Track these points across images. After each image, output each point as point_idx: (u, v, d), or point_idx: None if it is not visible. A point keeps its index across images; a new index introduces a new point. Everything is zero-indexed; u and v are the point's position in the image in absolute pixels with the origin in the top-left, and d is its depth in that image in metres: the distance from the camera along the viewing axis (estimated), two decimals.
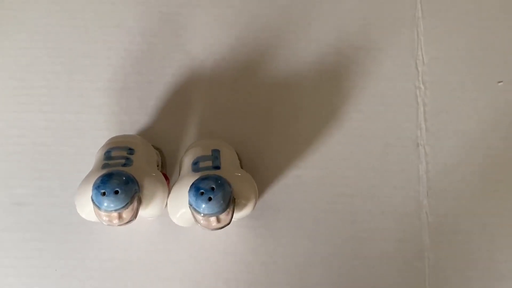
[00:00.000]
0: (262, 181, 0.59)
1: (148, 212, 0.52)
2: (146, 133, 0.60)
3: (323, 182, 0.59)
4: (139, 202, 0.50)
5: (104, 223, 0.49)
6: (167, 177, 0.56)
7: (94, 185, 0.48)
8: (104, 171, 0.50)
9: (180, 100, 0.61)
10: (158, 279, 0.58)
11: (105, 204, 0.48)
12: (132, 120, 0.61)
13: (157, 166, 0.56)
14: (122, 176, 0.49)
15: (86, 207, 0.50)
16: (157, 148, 0.59)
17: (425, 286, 0.57)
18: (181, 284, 0.58)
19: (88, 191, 0.49)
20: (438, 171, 0.59)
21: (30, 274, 0.58)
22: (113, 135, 0.59)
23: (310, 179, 0.59)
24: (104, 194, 0.48)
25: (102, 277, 0.58)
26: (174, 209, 0.52)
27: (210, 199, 0.48)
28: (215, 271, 0.58)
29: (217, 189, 0.48)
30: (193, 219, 0.50)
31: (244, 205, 0.51)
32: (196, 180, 0.49)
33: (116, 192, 0.48)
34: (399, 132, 0.60)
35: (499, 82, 0.61)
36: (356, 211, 0.59)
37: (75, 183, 0.54)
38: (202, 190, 0.48)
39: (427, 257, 0.58)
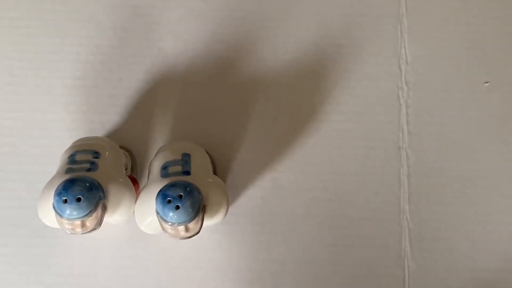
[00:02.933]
0: (236, 184, 0.57)
1: (115, 219, 0.50)
2: (116, 134, 0.58)
3: (300, 186, 0.57)
4: (104, 210, 0.47)
5: (66, 231, 0.47)
6: (136, 181, 0.54)
7: (55, 191, 0.46)
8: (67, 176, 0.48)
9: (153, 99, 0.59)
10: (127, 287, 0.55)
11: (67, 212, 0.46)
12: (101, 120, 0.58)
13: (126, 169, 0.54)
14: (85, 182, 0.46)
15: (48, 213, 0.48)
16: (127, 150, 0.56)
17: None
18: None
19: (50, 197, 0.47)
20: (420, 175, 0.57)
21: None
22: (82, 135, 0.57)
23: (286, 182, 0.57)
24: (65, 201, 0.45)
25: (68, 283, 0.55)
26: (141, 217, 0.49)
27: (178, 207, 0.46)
28: (187, 279, 0.56)
29: (186, 197, 0.46)
30: (161, 227, 0.48)
31: (215, 213, 0.49)
32: (164, 187, 0.47)
33: (79, 199, 0.46)
34: (380, 135, 0.58)
35: (486, 82, 0.59)
36: (334, 216, 0.57)
37: (41, 185, 0.52)
38: (169, 198, 0.46)
39: (408, 265, 0.56)
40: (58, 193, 0.46)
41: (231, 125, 0.58)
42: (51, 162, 0.56)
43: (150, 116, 0.58)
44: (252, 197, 0.57)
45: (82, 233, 0.47)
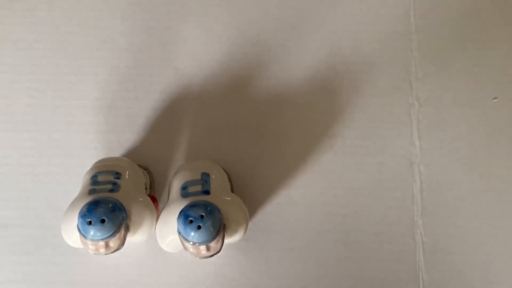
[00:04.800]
0: (253, 201, 0.58)
1: (136, 238, 0.51)
2: (134, 152, 0.59)
3: (315, 201, 0.58)
4: (127, 230, 0.49)
5: (90, 252, 0.48)
6: (155, 200, 0.55)
7: (80, 213, 0.47)
8: (90, 197, 0.49)
9: (169, 118, 0.60)
10: None
11: (92, 233, 0.47)
12: (120, 139, 0.59)
13: (145, 188, 0.55)
14: (108, 204, 0.47)
15: (72, 234, 0.49)
16: (145, 168, 0.58)
17: None
18: None
19: (74, 218, 0.48)
20: (432, 190, 0.58)
21: None
22: (101, 154, 0.58)
23: (302, 198, 0.58)
24: (90, 223, 0.47)
25: None
26: (163, 235, 0.50)
27: (199, 227, 0.47)
28: None
29: (207, 217, 0.47)
30: (182, 246, 0.49)
31: (234, 231, 0.50)
32: (185, 207, 0.48)
33: (103, 221, 0.47)
34: (393, 150, 0.59)
35: (494, 98, 0.60)
36: (349, 231, 0.58)
37: (62, 204, 0.53)
38: (191, 218, 0.47)
39: (422, 278, 0.57)
40: (83, 215, 0.47)
41: (247, 143, 0.59)
42: (71, 182, 0.58)
43: (167, 134, 0.60)
44: (268, 214, 0.58)
45: (105, 254, 0.48)
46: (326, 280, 0.57)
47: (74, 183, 0.56)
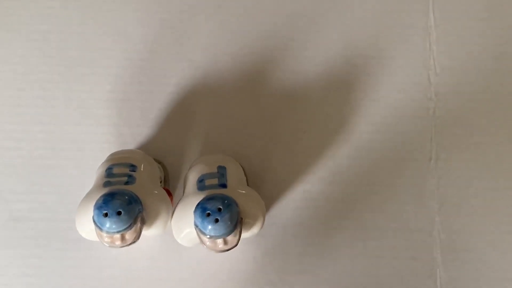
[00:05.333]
0: (268, 196, 0.57)
1: (151, 231, 0.50)
2: (147, 146, 0.58)
3: (331, 197, 0.57)
4: (143, 222, 0.48)
5: (106, 244, 0.47)
6: (170, 193, 0.54)
7: (95, 205, 0.46)
8: (106, 190, 0.48)
9: (183, 111, 0.59)
10: None
11: (108, 225, 0.46)
12: (133, 132, 0.59)
13: (160, 182, 0.54)
14: (125, 196, 0.47)
15: (86, 226, 0.48)
16: (159, 162, 0.57)
17: None
18: None
19: (89, 210, 0.47)
20: (450, 186, 0.58)
21: None
22: (114, 147, 0.58)
23: (318, 194, 0.57)
24: (106, 215, 0.46)
25: None
26: (179, 229, 0.50)
27: (217, 220, 0.46)
28: None
29: (224, 210, 0.46)
30: (198, 239, 0.48)
31: (251, 225, 0.49)
32: (202, 200, 0.47)
33: (119, 213, 0.46)
34: (410, 146, 0.58)
35: None
36: (366, 227, 0.57)
37: (74, 198, 0.53)
38: (208, 211, 0.46)
39: (440, 275, 0.56)
40: (99, 207, 0.46)
41: (261, 137, 0.59)
42: (83, 175, 0.57)
43: (181, 128, 0.59)
44: (283, 209, 0.57)
45: (121, 246, 0.47)
46: (342, 277, 0.56)
47: (86, 177, 0.55)
